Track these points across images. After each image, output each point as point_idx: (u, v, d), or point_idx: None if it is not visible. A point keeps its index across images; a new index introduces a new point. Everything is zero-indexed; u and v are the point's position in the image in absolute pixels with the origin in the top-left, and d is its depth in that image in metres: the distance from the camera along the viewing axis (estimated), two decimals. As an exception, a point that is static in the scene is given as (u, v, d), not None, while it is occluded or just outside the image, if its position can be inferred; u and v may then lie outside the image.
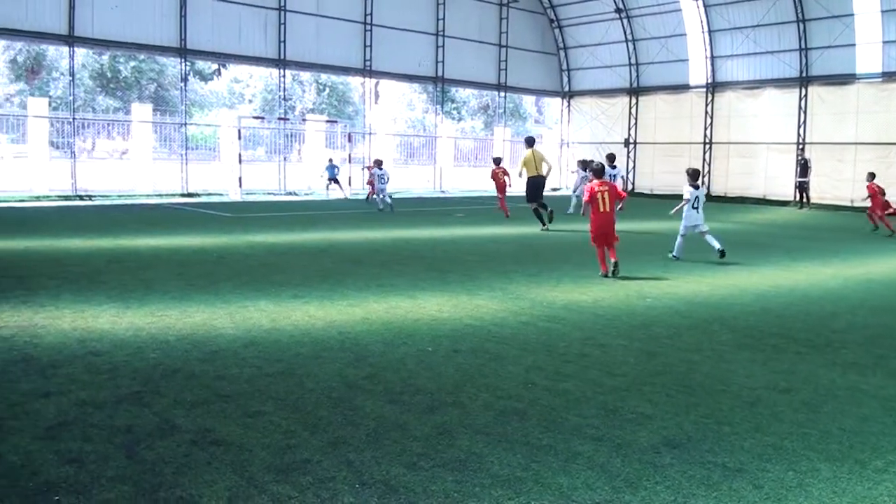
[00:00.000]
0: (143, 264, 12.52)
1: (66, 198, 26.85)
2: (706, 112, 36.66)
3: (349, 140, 34.52)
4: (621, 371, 6.95)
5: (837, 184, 31.48)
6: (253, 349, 7.35)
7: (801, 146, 33.12)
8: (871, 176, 22.05)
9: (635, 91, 39.75)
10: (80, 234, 16.50)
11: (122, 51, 43.15)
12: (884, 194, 21.59)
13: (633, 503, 4.30)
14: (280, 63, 32.95)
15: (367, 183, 30.44)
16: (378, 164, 26.46)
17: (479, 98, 74.70)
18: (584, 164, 26.96)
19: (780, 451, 5.07)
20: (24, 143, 30.20)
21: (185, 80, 32.25)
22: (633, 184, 39.68)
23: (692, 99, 37.43)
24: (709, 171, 36.65)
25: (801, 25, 32.62)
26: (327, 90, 69.76)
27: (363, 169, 33.18)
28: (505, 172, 24.16)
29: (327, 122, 42.05)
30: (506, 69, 40.56)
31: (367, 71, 35.67)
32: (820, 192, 32.12)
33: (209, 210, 24.26)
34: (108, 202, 26.50)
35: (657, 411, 5.83)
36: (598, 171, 12.92)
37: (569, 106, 43.51)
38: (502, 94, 41.77)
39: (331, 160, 31.49)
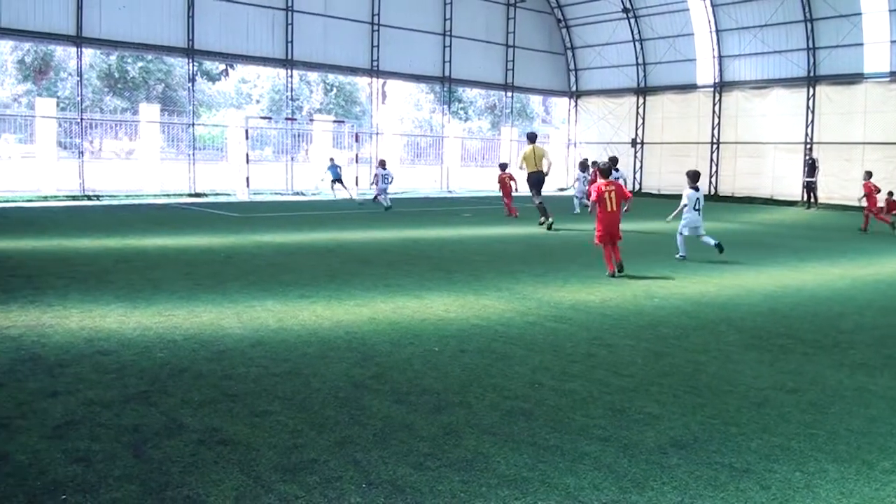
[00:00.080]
0: (151, 264, 12.55)
1: (74, 198, 26.93)
2: (714, 112, 36.59)
3: (356, 140, 34.54)
4: (628, 371, 6.94)
5: (845, 183, 31.35)
6: (260, 349, 7.36)
7: (808, 146, 33.03)
8: (868, 175, 22.44)
9: (643, 91, 39.69)
10: (88, 233, 16.55)
11: (129, 51, 43.27)
12: (878, 192, 21.92)
13: (640, 504, 4.30)
14: (287, 63, 32.99)
15: (373, 184, 30.47)
16: (382, 164, 26.73)
17: (486, 98, 74.67)
18: (584, 166, 27.23)
19: (787, 452, 5.05)
20: (31, 143, 30.29)
21: (192, 80, 32.34)
22: (640, 184, 39.65)
23: (699, 99, 37.36)
24: (716, 172, 36.61)
25: (809, 25, 32.54)
26: (335, 90, 69.79)
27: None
28: (511, 178, 24.37)
29: (334, 122, 42.08)
30: (513, 69, 40.54)
31: (374, 71, 35.69)
32: (828, 191, 32.02)
33: (217, 210, 24.30)
34: (115, 202, 26.56)
35: (664, 412, 5.82)
36: (605, 171, 12.93)
37: (576, 106, 43.47)
38: (509, 94, 41.76)
39: (332, 160, 31.42)
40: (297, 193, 32.70)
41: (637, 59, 39.55)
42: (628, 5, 38.45)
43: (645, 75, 39.48)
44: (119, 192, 28.83)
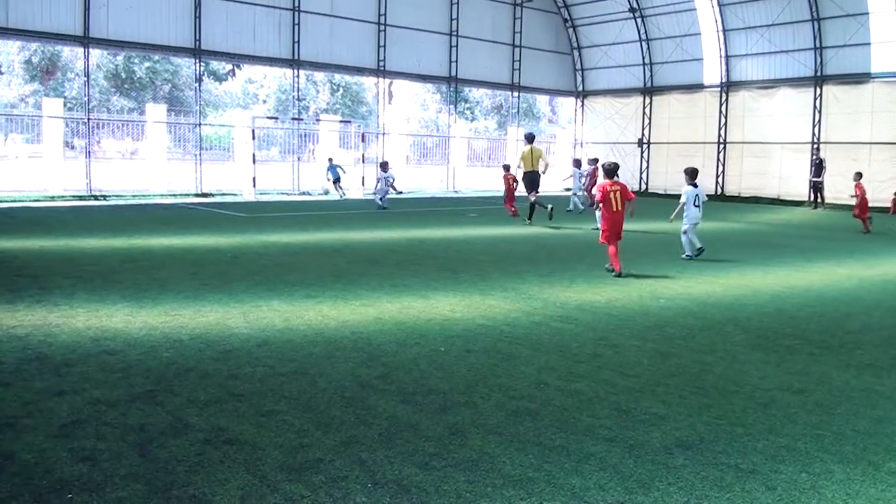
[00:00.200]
0: (157, 264, 12.57)
1: (81, 198, 27.01)
2: (720, 111, 36.52)
3: (363, 140, 34.57)
4: (634, 372, 6.93)
5: (852, 184, 31.19)
6: (266, 348, 7.37)
7: (815, 146, 32.93)
8: (859, 175, 22.73)
9: (649, 91, 39.64)
10: (95, 233, 16.59)
11: (136, 51, 43.41)
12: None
13: (646, 504, 4.29)
14: (294, 63, 33.03)
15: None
16: (383, 166, 26.92)
17: (492, 98, 74.66)
18: (577, 163, 28.55)
19: (793, 453, 5.04)
20: (38, 143, 30.38)
21: (199, 80, 32.37)
22: (646, 183, 39.63)
23: (706, 98, 37.30)
24: (723, 171, 36.56)
25: (816, 24, 32.46)
26: (341, 90, 69.82)
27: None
28: (514, 179, 24.50)
29: (341, 122, 42.12)
30: (519, 69, 40.53)
31: (380, 71, 35.72)
32: (835, 191, 31.90)
33: (223, 210, 24.34)
34: (122, 202, 26.63)
35: (670, 412, 5.81)
36: (610, 171, 12.93)
37: (582, 106, 43.43)
38: (516, 93, 41.72)
39: (331, 160, 31.41)
40: (304, 193, 32.73)
41: (644, 58, 39.51)
42: (635, 5, 38.41)
43: (651, 75, 39.43)
44: (125, 192, 28.90)
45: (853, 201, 22.79)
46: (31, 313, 8.55)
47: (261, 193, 30.42)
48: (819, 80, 32.82)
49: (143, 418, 5.40)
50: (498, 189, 30.87)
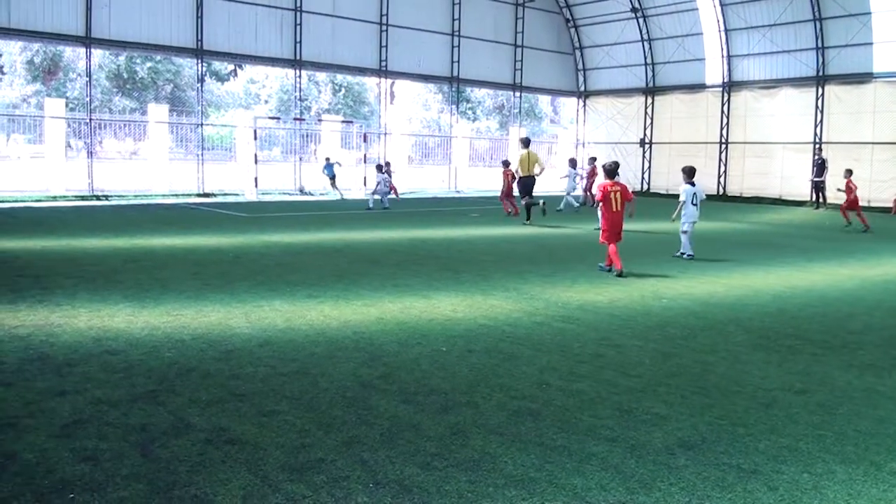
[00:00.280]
0: (159, 264, 12.58)
1: (83, 198, 27.03)
2: (722, 112, 36.49)
3: (364, 140, 34.58)
4: (636, 372, 6.93)
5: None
6: (268, 348, 7.38)
7: (817, 146, 32.90)
8: (849, 172, 23.00)
9: (651, 91, 39.61)
10: (97, 233, 16.60)
11: (138, 52, 43.44)
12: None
13: (647, 504, 4.29)
14: (296, 63, 33.03)
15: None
16: (379, 168, 27.04)
17: (494, 98, 74.61)
18: (573, 163, 28.95)
19: (795, 453, 5.04)
20: (41, 143, 30.40)
21: (201, 80, 32.41)
22: (648, 183, 39.60)
23: (708, 98, 37.26)
24: (724, 171, 36.52)
25: (818, 24, 32.42)
26: (343, 90, 69.81)
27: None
28: (513, 176, 24.53)
29: (343, 122, 42.12)
30: (521, 69, 40.52)
31: (382, 71, 35.72)
32: (836, 192, 31.83)
33: (225, 210, 24.35)
34: (124, 202, 26.65)
35: (672, 412, 5.81)
36: (611, 172, 12.95)
37: (584, 106, 43.41)
38: (518, 94, 41.71)
39: (328, 159, 31.38)
40: (306, 193, 32.74)
41: (645, 58, 39.48)
42: (637, 5, 38.37)
43: (653, 75, 39.40)
44: (127, 192, 28.92)
45: (861, 202, 22.97)
46: (33, 313, 8.56)
47: (262, 193, 30.44)
48: (821, 80, 32.79)
49: (145, 418, 5.41)
50: (500, 189, 30.89)
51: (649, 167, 39.75)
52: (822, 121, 32.88)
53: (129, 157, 43.08)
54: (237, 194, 30.48)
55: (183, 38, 29.63)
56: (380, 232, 18.79)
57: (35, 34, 27.29)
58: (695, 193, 14.60)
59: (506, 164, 25.30)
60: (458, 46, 37.69)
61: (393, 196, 28.07)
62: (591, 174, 29.35)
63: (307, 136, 37.27)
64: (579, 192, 29.71)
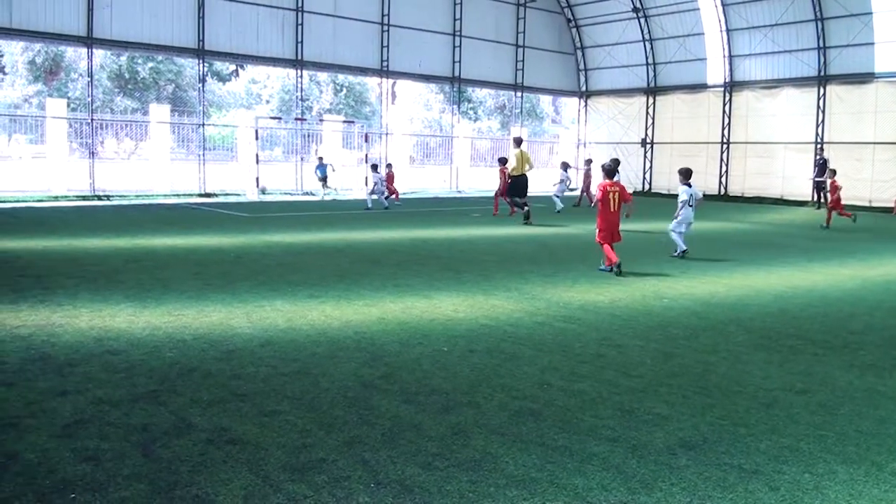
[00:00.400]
0: (161, 264, 12.59)
1: (85, 198, 27.05)
2: (724, 111, 36.48)
3: (366, 140, 34.56)
4: (637, 372, 6.93)
5: (855, 183, 31.12)
6: (269, 348, 7.38)
7: (819, 146, 32.88)
8: (833, 172, 23.30)
9: (652, 91, 39.61)
10: (98, 233, 16.61)
11: (140, 52, 43.39)
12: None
13: (649, 504, 4.29)
14: (297, 64, 33.05)
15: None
16: (374, 167, 26.99)
17: (495, 98, 74.58)
18: (566, 165, 29.09)
19: (796, 453, 5.04)
20: (42, 143, 30.42)
21: (202, 80, 32.44)
22: (649, 183, 39.60)
23: (710, 98, 37.25)
24: (726, 171, 36.51)
25: (820, 24, 32.41)
26: (344, 90, 69.78)
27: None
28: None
29: (344, 122, 42.07)
30: (523, 69, 40.51)
31: (384, 71, 35.73)
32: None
33: (226, 210, 24.36)
34: (125, 202, 26.66)
35: (673, 412, 5.81)
36: (611, 171, 12.98)
37: (586, 106, 43.40)
38: (519, 94, 41.71)
39: (321, 159, 31.32)
40: (307, 193, 32.74)
41: (647, 58, 39.47)
42: (638, 5, 38.38)
43: (655, 75, 39.39)
44: (129, 192, 28.93)
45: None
46: (34, 313, 8.56)
47: (266, 193, 30.44)
48: (822, 79, 32.77)
49: (147, 418, 5.41)
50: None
51: (651, 167, 39.75)
52: (823, 121, 32.87)
53: (129, 158, 43.03)
54: (238, 194, 30.49)
55: (184, 39, 29.65)
56: (381, 232, 18.79)
57: (36, 34, 27.32)
58: (691, 194, 14.73)
59: (503, 161, 25.29)
60: (460, 46, 37.69)
61: (394, 199, 28.07)
62: (587, 175, 29.44)
63: (308, 136, 37.27)
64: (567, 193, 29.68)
